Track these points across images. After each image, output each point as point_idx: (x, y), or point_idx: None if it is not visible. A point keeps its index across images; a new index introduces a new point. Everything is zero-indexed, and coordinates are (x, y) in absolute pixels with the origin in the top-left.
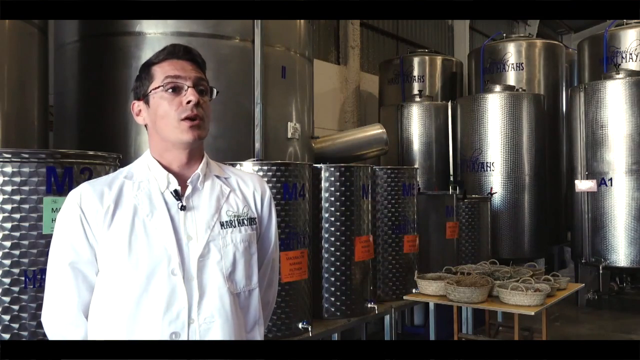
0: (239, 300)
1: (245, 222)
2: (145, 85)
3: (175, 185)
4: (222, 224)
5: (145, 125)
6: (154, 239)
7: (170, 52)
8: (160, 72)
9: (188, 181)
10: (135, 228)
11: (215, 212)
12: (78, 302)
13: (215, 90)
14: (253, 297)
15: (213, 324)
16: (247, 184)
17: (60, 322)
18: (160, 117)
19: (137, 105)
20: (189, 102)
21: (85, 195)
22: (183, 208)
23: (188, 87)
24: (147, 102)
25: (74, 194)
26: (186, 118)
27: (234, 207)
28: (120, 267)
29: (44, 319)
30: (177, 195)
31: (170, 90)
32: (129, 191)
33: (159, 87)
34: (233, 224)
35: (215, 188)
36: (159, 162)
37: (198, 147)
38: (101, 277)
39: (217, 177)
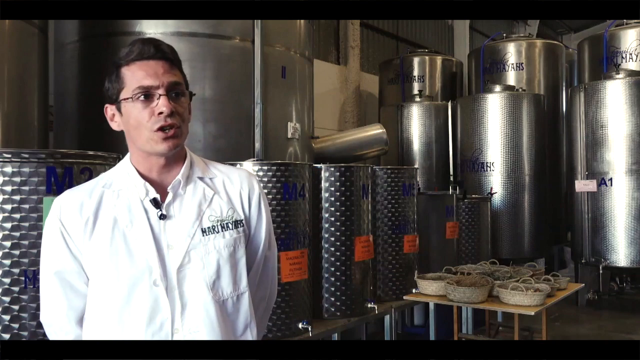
0: (225, 307)
1: (230, 225)
2: (115, 88)
3: (153, 194)
4: (203, 231)
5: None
6: (134, 250)
7: (140, 53)
8: (130, 78)
9: (168, 188)
10: (115, 239)
11: (196, 219)
12: (67, 309)
13: (191, 93)
14: (242, 301)
15: (198, 334)
16: (234, 183)
17: (53, 327)
18: (133, 127)
19: (110, 110)
20: (160, 113)
21: (65, 207)
22: (163, 217)
23: (160, 95)
24: (119, 109)
25: (56, 204)
26: (160, 129)
27: (217, 212)
28: (102, 279)
29: (42, 320)
30: (157, 203)
31: (143, 97)
32: (108, 201)
33: (129, 98)
34: (216, 229)
35: (197, 192)
36: (137, 169)
37: (177, 152)
38: (90, 286)
39: (201, 178)
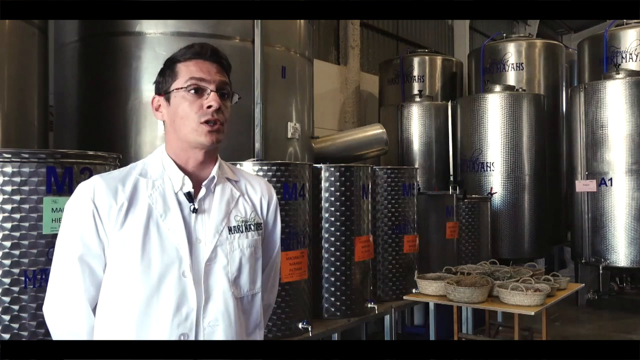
0: (242, 304)
1: (252, 227)
2: (167, 82)
3: (189, 187)
4: (230, 229)
5: (163, 122)
6: (167, 241)
7: (198, 52)
8: (185, 72)
9: (203, 184)
10: (150, 229)
11: (225, 217)
12: (85, 296)
13: (237, 96)
14: (256, 301)
15: (217, 328)
16: (255, 189)
17: (64, 316)
18: (180, 117)
19: (157, 100)
20: (209, 106)
21: (99, 190)
22: (195, 211)
23: (211, 91)
24: (167, 100)
25: (87, 187)
26: (206, 122)
27: (242, 213)
28: (132, 268)
29: (47, 311)
30: (190, 197)
31: (193, 91)
32: (143, 190)
33: (181, 88)
34: (240, 229)
35: (225, 192)
36: (174, 161)
37: (214, 148)
38: (110, 275)
39: (228, 179)
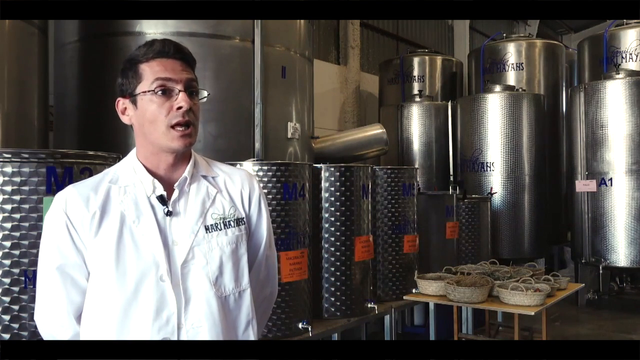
0: (227, 303)
1: (232, 223)
2: (132, 83)
3: (160, 190)
4: (206, 228)
5: (131, 125)
6: (141, 246)
7: (160, 51)
8: (150, 72)
9: (175, 185)
10: (123, 235)
11: (200, 216)
12: (67, 304)
13: (205, 92)
14: (244, 298)
15: (200, 329)
16: (235, 183)
17: (49, 323)
18: (149, 121)
19: (122, 103)
20: (179, 107)
21: (71, 201)
22: (169, 213)
23: (179, 91)
24: (134, 103)
25: (60, 198)
26: (177, 124)
27: (219, 210)
28: (109, 275)
29: (36, 318)
30: (163, 200)
31: (160, 92)
32: (115, 196)
33: (148, 91)
34: (219, 226)
35: (201, 190)
36: (144, 165)
37: (186, 150)
38: (91, 282)
39: (205, 177)
